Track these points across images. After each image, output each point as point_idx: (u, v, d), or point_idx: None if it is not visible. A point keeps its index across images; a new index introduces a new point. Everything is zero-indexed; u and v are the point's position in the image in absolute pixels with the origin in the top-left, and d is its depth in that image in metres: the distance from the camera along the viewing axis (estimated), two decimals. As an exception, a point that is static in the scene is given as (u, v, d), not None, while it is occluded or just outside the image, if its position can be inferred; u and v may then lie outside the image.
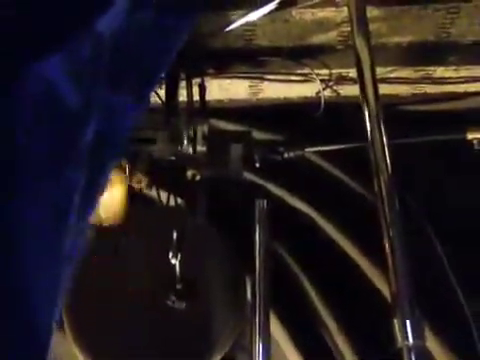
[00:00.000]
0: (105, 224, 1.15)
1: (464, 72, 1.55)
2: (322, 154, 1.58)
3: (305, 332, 1.48)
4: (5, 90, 0.51)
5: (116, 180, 1.12)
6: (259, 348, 1.22)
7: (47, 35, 0.54)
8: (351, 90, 1.56)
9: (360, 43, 1.06)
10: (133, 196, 1.26)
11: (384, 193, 0.95)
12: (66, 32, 0.55)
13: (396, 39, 1.42)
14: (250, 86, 1.62)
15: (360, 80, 1.05)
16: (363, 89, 1.04)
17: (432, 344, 1.35)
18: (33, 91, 0.52)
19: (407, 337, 0.85)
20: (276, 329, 1.45)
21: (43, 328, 0.54)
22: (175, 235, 1.16)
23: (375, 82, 1.04)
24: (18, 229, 0.52)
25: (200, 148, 1.27)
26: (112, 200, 1.13)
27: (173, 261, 1.17)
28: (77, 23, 0.56)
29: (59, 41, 0.54)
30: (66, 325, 1.32)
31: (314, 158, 1.59)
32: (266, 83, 1.60)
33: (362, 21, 1.09)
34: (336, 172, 1.59)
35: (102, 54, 0.59)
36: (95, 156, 0.61)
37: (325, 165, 1.60)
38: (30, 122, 0.52)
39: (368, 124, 1.00)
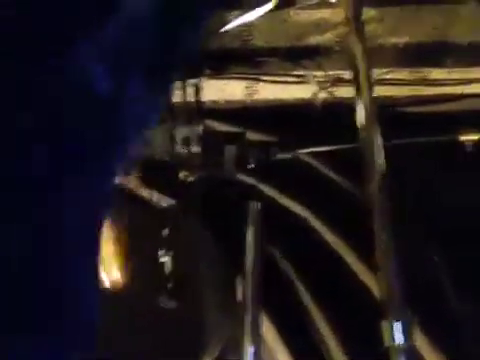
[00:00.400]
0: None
1: (459, 74, 1.55)
2: (317, 155, 1.57)
3: (296, 333, 1.48)
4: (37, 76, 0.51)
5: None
6: (249, 349, 1.22)
7: (77, 21, 0.54)
8: (347, 92, 1.55)
9: (356, 44, 1.06)
10: (126, 197, 1.25)
11: (376, 194, 0.94)
12: (97, 17, 0.55)
13: (392, 40, 1.42)
14: (246, 87, 1.61)
15: (355, 81, 1.05)
16: (358, 90, 1.04)
17: (422, 343, 1.35)
18: (66, 78, 0.52)
19: (396, 338, 0.84)
20: (267, 330, 1.45)
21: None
22: (166, 234, 1.16)
23: (370, 83, 1.04)
24: (58, 224, 0.52)
25: (194, 149, 1.27)
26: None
27: (164, 260, 1.16)
28: (108, 8, 0.56)
29: (90, 27, 0.54)
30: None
31: (309, 159, 1.59)
32: (262, 84, 1.60)
33: (358, 22, 1.09)
34: (330, 173, 1.59)
35: (132, 42, 0.59)
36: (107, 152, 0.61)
37: (320, 166, 1.60)
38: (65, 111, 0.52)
39: (362, 125, 1.00)
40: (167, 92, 0.77)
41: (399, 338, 0.84)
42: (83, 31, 0.55)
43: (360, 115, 1.02)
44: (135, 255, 1.31)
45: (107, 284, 1.10)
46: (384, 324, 0.85)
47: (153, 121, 0.71)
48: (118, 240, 1.10)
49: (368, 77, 1.04)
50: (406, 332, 0.84)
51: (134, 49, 0.62)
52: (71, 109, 0.54)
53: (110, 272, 1.09)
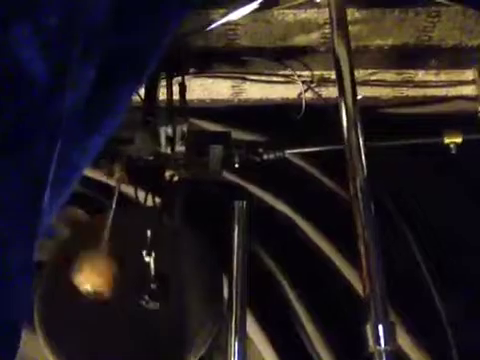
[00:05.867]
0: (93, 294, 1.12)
1: (445, 76, 1.56)
2: (303, 155, 1.58)
3: (282, 331, 1.48)
4: None
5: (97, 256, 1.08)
6: (235, 348, 1.22)
7: (13, 4, 0.52)
8: (333, 92, 1.56)
9: (339, 45, 1.06)
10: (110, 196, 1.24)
11: (359, 196, 0.94)
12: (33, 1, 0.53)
13: (377, 42, 1.42)
14: (233, 86, 1.61)
15: (339, 82, 1.05)
16: (342, 91, 1.04)
17: (408, 346, 1.35)
18: None
19: (379, 342, 0.84)
20: (253, 328, 1.45)
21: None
22: (149, 234, 1.15)
23: (354, 85, 1.04)
24: None
25: (179, 148, 1.27)
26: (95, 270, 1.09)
27: (147, 259, 1.16)
28: None
29: (26, 10, 0.53)
30: (37, 327, 1.31)
31: (295, 159, 1.59)
32: (248, 83, 1.60)
33: (342, 23, 1.08)
34: (316, 173, 1.59)
35: (75, 23, 0.57)
36: (69, 130, 0.59)
37: (306, 166, 1.60)
38: None
39: (345, 126, 1.00)
40: (127, 100, 0.75)
41: (383, 341, 0.84)
42: (18, 11, 0.53)
43: (343, 116, 1.02)
44: (118, 255, 1.30)
45: (90, 292, 1.09)
46: (368, 327, 0.85)
47: (105, 127, 0.69)
48: (101, 248, 1.09)
49: (352, 78, 1.04)
50: (390, 336, 0.84)
51: (80, 35, 0.59)
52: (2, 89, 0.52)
53: (93, 280, 1.08)
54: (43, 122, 0.55)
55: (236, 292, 1.25)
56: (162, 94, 1.38)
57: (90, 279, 1.08)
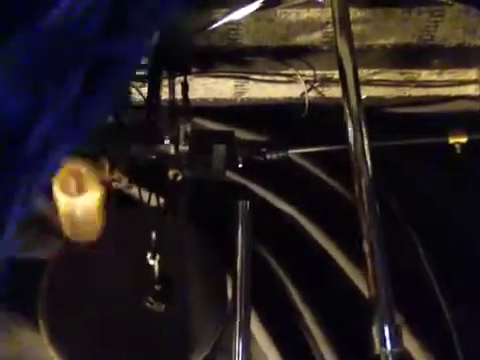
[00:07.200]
0: (77, 240, 1.10)
1: (448, 76, 1.56)
2: (306, 155, 1.57)
3: (286, 332, 1.48)
4: None
5: (92, 185, 1.05)
6: (239, 348, 1.21)
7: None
8: (335, 92, 1.56)
9: (342, 44, 1.06)
10: (112, 196, 1.24)
11: (364, 196, 0.94)
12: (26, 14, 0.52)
13: (380, 41, 1.42)
14: (235, 86, 1.61)
15: (342, 82, 1.04)
16: (345, 91, 1.03)
17: (413, 347, 1.35)
18: None
19: (385, 343, 0.84)
20: (257, 329, 1.45)
21: None
22: (153, 235, 1.15)
23: (357, 84, 1.04)
24: None
25: (182, 148, 1.26)
26: (86, 212, 1.07)
27: (151, 262, 1.15)
28: (17, 19, 0.53)
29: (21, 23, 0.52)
30: (41, 326, 1.31)
31: (298, 159, 1.59)
32: (251, 83, 1.60)
33: (345, 22, 1.08)
34: (320, 173, 1.59)
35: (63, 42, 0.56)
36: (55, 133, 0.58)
37: (309, 166, 1.60)
38: None
39: (349, 126, 1.00)
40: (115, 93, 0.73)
41: (389, 343, 0.83)
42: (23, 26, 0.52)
43: (347, 116, 1.01)
44: (122, 256, 1.30)
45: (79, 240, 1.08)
46: (375, 329, 0.84)
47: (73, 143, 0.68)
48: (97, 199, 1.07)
49: (355, 78, 1.04)
50: (396, 337, 0.83)
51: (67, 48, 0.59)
52: None
53: (86, 229, 1.07)
54: (21, 153, 0.54)
55: (240, 292, 1.25)
56: (164, 94, 1.38)
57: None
